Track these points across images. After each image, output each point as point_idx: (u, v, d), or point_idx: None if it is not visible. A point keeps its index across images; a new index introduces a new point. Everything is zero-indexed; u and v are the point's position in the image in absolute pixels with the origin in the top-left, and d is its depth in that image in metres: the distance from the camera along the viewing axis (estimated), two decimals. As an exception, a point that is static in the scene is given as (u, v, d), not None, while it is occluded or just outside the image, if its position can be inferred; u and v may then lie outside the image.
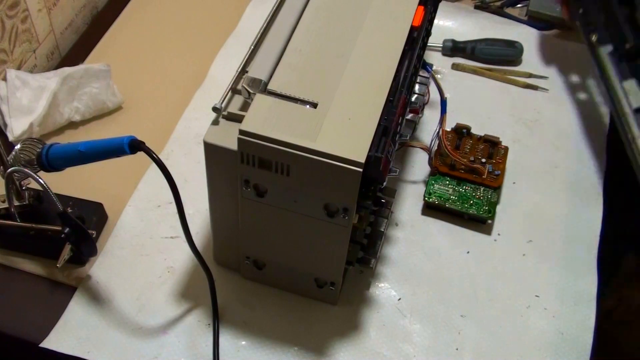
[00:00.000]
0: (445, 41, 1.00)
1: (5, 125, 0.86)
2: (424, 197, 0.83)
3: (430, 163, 0.86)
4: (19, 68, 0.93)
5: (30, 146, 0.71)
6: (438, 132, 0.84)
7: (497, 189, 0.83)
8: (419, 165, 0.88)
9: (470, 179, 0.83)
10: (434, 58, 1.00)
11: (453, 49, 1.00)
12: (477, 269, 0.79)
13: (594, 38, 0.80)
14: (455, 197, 0.82)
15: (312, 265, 0.71)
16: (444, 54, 1.01)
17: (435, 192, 0.83)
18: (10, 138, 0.84)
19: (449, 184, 0.83)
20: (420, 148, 0.88)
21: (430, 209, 0.83)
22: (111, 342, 0.72)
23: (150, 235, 0.80)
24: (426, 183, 0.84)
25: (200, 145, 0.63)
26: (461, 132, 0.87)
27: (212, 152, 0.63)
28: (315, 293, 0.74)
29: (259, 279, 0.76)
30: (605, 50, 0.80)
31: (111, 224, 0.81)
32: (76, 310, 0.74)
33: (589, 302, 0.77)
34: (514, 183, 0.86)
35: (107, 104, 0.90)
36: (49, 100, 0.86)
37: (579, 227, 0.83)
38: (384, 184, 0.63)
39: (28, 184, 0.76)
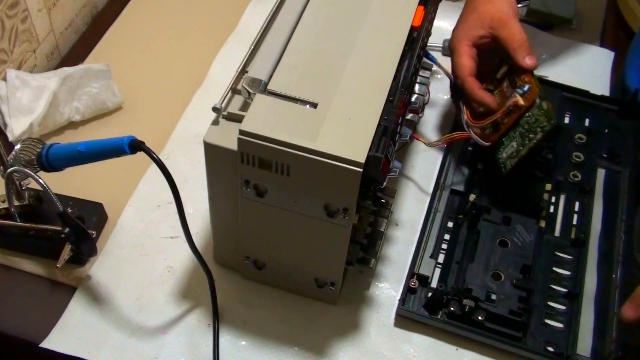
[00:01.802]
0: (445, 41, 1.00)
1: (5, 125, 0.86)
2: (502, 170, 0.80)
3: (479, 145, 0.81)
4: (19, 68, 0.93)
5: (30, 146, 0.71)
6: (463, 115, 0.81)
7: (537, 101, 0.77)
8: (419, 165, 0.88)
9: (516, 119, 0.78)
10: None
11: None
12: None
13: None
14: (520, 142, 0.78)
15: (312, 265, 0.71)
16: (444, 54, 1.01)
17: (506, 160, 0.80)
18: (10, 138, 0.84)
19: (508, 142, 0.79)
20: (461, 138, 0.83)
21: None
22: (111, 342, 0.72)
23: (150, 235, 0.80)
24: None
25: (200, 145, 0.63)
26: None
27: (212, 152, 0.63)
28: (315, 293, 0.74)
29: (259, 279, 0.76)
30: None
31: (111, 224, 0.81)
32: (76, 310, 0.74)
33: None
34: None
35: (107, 104, 0.90)
36: (49, 100, 0.86)
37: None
38: (384, 184, 0.63)
39: (28, 184, 0.76)
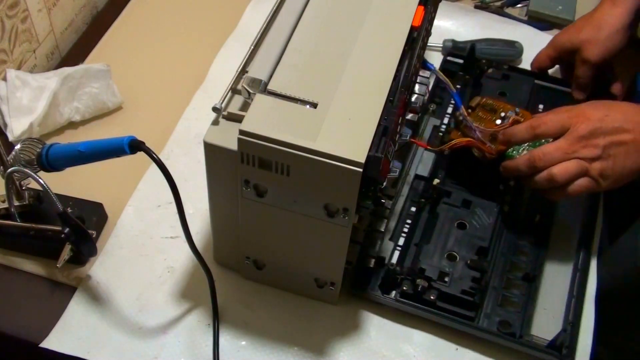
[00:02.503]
0: (445, 41, 1.00)
1: (5, 125, 0.86)
2: None
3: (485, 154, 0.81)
4: (19, 68, 0.93)
5: (30, 146, 0.71)
6: (472, 127, 0.82)
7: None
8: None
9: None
10: (434, 58, 0.99)
11: (453, 49, 1.00)
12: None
13: None
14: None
15: (312, 265, 0.71)
16: (444, 54, 1.01)
17: None
18: (10, 138, 0.84)
19: (516, 152, 0.80)
20: (469, 144, 0.82)
21: None
22: (111, 342, 0.72)
23: (150, 235, 0.80)
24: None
25: (200, 145, 0.63)
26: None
27: (212, 152, 0.63)
28: (315, 293, 0.74)
29: (259, 279, 0.76)
30: None
31: (111, 224, 0.81)
32: (76, 310, 0.74)
33: (589, 301, 0.77)
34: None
35: (107, 104, 0.90)
36: (49, 100, 0.86)
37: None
38: (384, 184, 0.63)
39: (28, 184, 0.76)
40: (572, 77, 0.89)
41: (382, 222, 0.74)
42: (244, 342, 0.73)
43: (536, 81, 0.94)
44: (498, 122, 0.82)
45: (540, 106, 0.92)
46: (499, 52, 0.98)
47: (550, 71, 0.95)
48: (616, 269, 0.88)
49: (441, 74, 0.85)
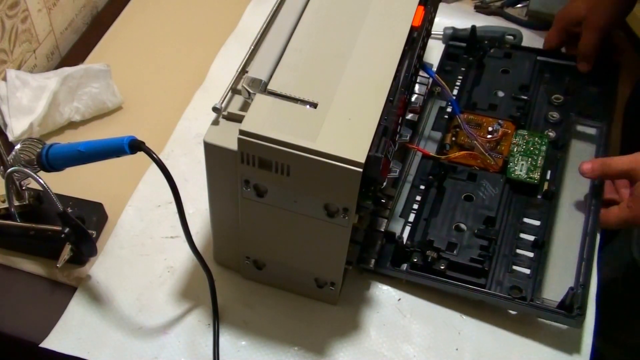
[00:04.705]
0: (445, 29, 1.00)
1: (5, 125, 0.86)
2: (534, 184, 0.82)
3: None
4: (19, 68, 0.93)
5: (30, 146, 0.71)
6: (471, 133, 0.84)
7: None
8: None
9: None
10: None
11: (454, 37, 1.00)
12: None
13: None
14: (528, 158, 0.83)
15: (312, 265, 0.71)
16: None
17: (530, 176, 0.83)
18: (10, 138, 0.84)
19: (515, 163, 0.83)
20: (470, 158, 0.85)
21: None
22: (111, 342, 0.72)
23: (150, 235, 0.80)
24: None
25: (200, 145, 0.63)
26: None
27: (212, 152, 0.63)
28: (315, 293, 0.74)
29: (259, 279, 0.76)
30: None
31: (111, 224, 0.81)
32: (76, 310, 0.74)
33: (590, 300, 0.77)
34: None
35: (107, 104, 0.90)
36: (49, 100, 0.86)
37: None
38: (384, 184, 0.63)
39: (28, 184, 0.76)
40: (577, 49, 0.90)
41: (383, 222, 0.75)
42: (244, 342, 0.73)
43: (539, 58, 0.96)
44: (488, 137, 0.85)
45: (546, 75, 0.94)
46: (500, 37, 0.99)
47: None
48: (616, 264, 0.88)
49: (440, 79, 0.85)
